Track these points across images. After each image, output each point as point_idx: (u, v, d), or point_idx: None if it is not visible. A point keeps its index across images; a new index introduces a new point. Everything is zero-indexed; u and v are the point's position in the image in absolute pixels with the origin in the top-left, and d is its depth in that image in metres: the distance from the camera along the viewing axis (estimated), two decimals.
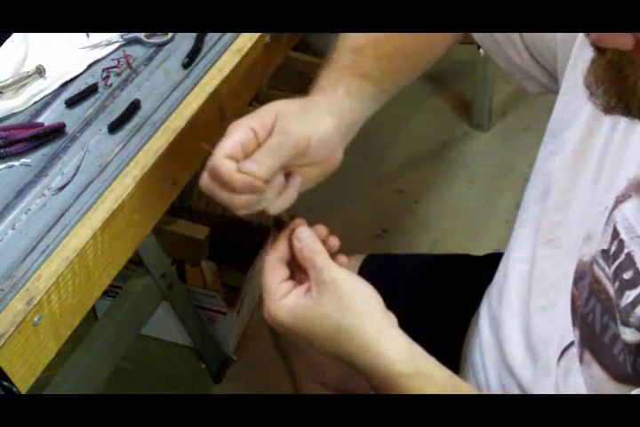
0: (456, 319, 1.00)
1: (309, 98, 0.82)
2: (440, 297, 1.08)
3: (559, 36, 0.83)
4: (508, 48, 0.91)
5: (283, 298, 0.75)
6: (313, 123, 0.78)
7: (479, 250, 1.17)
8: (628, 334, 0.68)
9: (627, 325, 0.68)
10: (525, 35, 0.88)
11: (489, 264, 0.94)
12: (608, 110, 0.63)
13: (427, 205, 1.98)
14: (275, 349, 1.16)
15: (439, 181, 2.02)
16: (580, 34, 0.79)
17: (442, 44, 0.94)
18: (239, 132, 0.75)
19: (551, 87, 0.91)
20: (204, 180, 0.76)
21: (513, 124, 2.14)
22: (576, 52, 0.80)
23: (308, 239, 0.77)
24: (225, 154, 0.73)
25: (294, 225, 0.79)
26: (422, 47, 0.92)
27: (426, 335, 1.04)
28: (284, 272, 0.77)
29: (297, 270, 0.78)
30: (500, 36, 0.91)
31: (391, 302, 1.08)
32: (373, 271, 1.11)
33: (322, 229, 0.80)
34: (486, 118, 2.11)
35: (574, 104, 0.80)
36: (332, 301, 0.73)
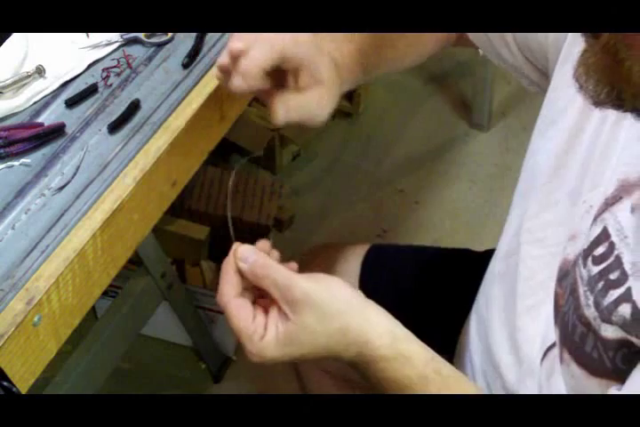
0: (454, 315, 1.01)
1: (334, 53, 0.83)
2: (440, 291, 1.08)
3: (550, 36, 0.83)
4: (500, 47, 0.91)
5: (263, 336, 0.72)
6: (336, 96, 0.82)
7: (479, 250, 1.17)
8: (609, 332, 0.69)
9: (609, 322, 0.69)
10: (518, 35, 0.88)
11: (489, 260, 0.94)
12: (598, 103, 0.62)
13: (427, 206, 1.98)
14: None
15: (439, 181, 2.03)
16: (570, 34, 0.79)
17: (431, 39, 0.95)
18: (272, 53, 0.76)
19: (544, 86, 0.91)
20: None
21: (513, 124, 2.14)
22: (566, 50, 0.80)
23: (254, 257, 0.73)
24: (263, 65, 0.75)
25: (233, 251, 0.74)
26: (411, 38, 0.93)
27: (424, 330, 1.04)
28: (249, 308, 0.73)
29: (250, 291, 0.75)
30: (493, 38, 0.91)
31: (392, 292, 1.08)
32: (377, 261, 1.11)
33: (263, 244, 0.77)
34: (486, 118, 2.11)
35: (560, 102, 0.80)
36: (313, 315, 0.71)
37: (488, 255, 0.95)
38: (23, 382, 0.78)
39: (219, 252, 1.61)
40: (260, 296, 0.75)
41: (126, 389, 1.60)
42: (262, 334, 0.72)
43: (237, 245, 0.74)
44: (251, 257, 0.73)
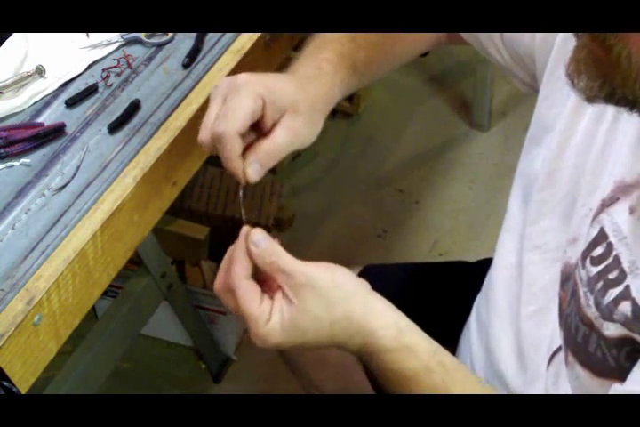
0: (450, 328, 1.00)
1: (312, 91, 0.81)
2: (433, 306, 1.07)
3: (537, 40, 0.83)
4: (490, 48, 0.91)
5: (268, 321, 0.71)
6: (317, 125, 0.81)
7: (479, 250, 1.17)
8: (611, 330, 0.69)
9: (611, 320, 0.69)
10: (505, 37, 0.88)
11: (482, 270, 0.94)
12: (591, 98, 0.61)
13: (427, 206, 1.98)
14: (278, 353, 1.16)
15: (439, 182, 2.02)
16: (559, 39, 0.79)
17: (421, 39, 0.96)
18: (252, 102, 0.74)
19: (535, 87, 0.91)
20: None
21: (513, 124, 2.14)
22: (556, 57, 0.80)
23: (264, 242, 0.73)
24: (237, 129, 0.74)
25: (244, 234, 0.75)
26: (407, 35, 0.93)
27: None
28: (258, 291, 0.73)
29: (259, 276, 0.75)
30: (482, 36, 0.91)
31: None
32: (371, 281, 1.11)
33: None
34: (486, 118, 2.11)
35: (555, 109, 0.80)
36: (316, 300, 0.71)
37: (482, 265, 0.95)
38: (23, 382, 0.78)
39: (219, 252, 1.61)
40: (266, 281, 0.75)
41: (126, 389, 1.60)
42: (268, 319, 0.71)
43: (248, 228, 0.75)
44: (261, 242, 0.73)
